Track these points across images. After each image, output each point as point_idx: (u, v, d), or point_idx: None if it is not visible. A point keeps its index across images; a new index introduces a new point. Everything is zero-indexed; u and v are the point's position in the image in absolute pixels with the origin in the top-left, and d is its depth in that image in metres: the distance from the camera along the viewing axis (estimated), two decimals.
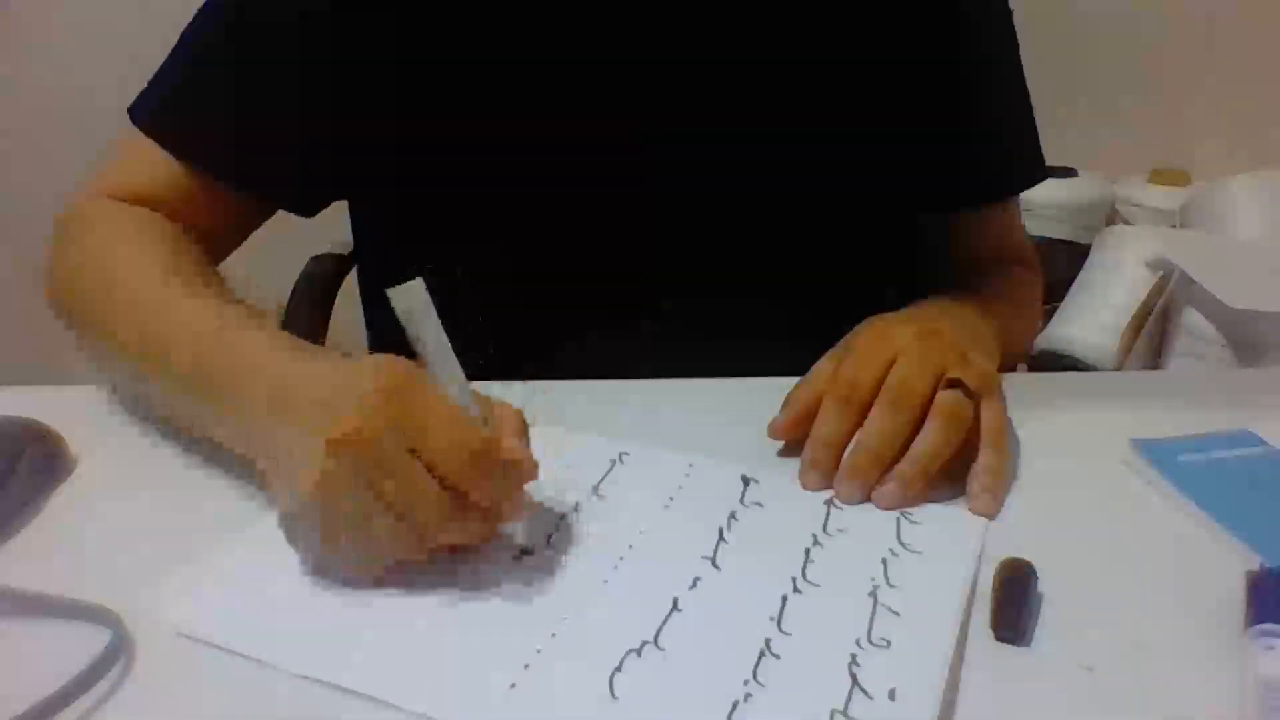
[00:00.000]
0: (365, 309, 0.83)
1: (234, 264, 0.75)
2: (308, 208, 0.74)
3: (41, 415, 0.58)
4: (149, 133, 0.68)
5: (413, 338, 0.47)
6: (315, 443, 0.45)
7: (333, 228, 0.85)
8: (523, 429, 0.50)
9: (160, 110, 0.69)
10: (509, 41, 0.68)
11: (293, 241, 0.86)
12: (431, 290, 0.47)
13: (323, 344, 0.91)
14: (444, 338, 0.48)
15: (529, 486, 0.49)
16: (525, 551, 0.51)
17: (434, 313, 0.47)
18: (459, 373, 0.48)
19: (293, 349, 0.53)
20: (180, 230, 0.67)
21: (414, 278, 0.47)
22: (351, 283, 0.97)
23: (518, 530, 0.51)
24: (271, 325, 0.56)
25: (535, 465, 0.49)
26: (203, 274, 0.62)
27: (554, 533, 0.52)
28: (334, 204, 0.77)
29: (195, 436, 0.57)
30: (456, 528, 0.47)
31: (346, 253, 0.98)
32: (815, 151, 0.71)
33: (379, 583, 0.48)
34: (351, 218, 0.80)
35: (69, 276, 0.65)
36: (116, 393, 0.64)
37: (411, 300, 0.47)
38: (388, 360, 0.48)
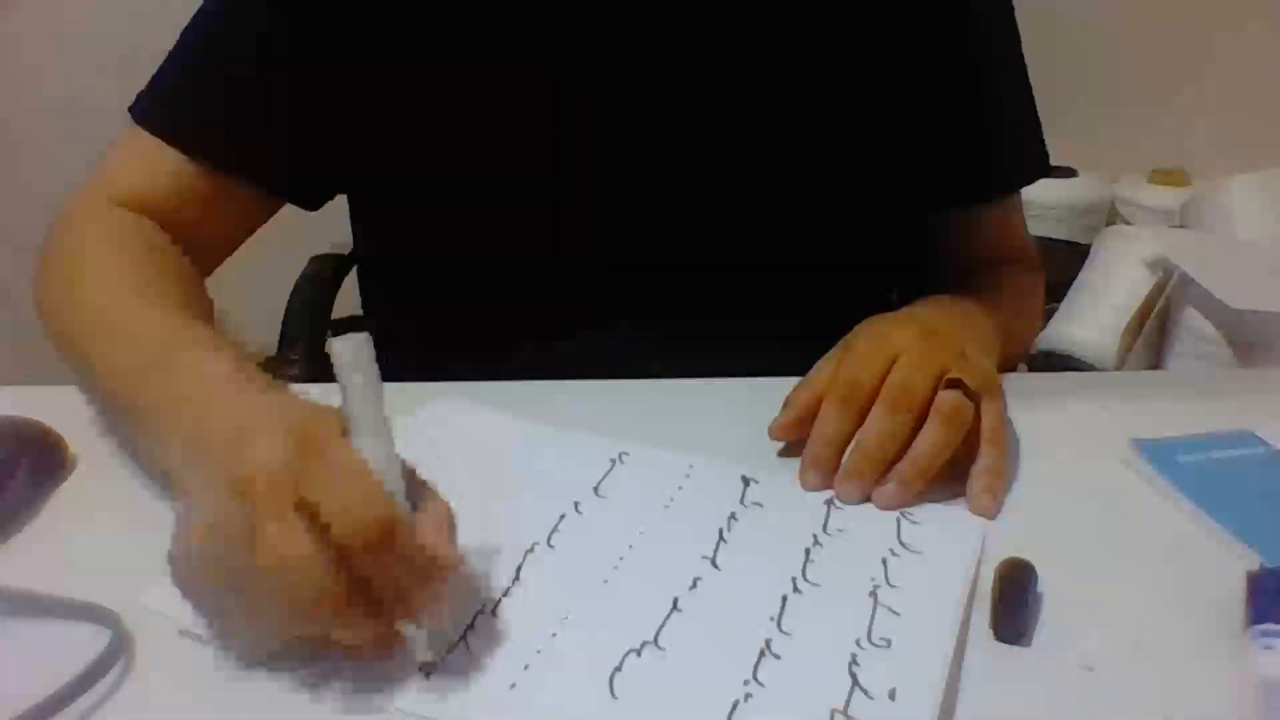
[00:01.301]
0: (365, 309, 0.83)
1: (234, 264, 0.75)
2: (311, 200, 0.74)
3: (41, 415, 0.58)
4: (149, 128, 0.68)
5: (344, 391, 0.42)
6: (214, 483, 0.41)
7: (333, 228, 0.85)
8: (450, 525, 0.43)
9: (161, 106, 0.69)
10: (506, 41, 0.68)
11: (293, 241, 0.86)
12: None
13: (324, 345, 0.91)
14: (381, 401, 0.42)
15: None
16: (430, 666, 0.42)
17: (375, 370, 0.42)
18: (390, 442, 0.42)
19: (230, 380, 0.48)
20: (167, 240, 0.67)
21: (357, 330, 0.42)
22: (351, 283, 0.97)
23: (418, 639, 0.42)
24: (223, 349, 0.51)
25: (457, 562, 0.41)
26: (172, 291, 0.60)
27: (554, 532, 0.52)
28: (334, 205, 0.77)
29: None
30: (342, 621, 0.40)
31: (346, 253, 0.98)
32: (815, 149, 0.71)
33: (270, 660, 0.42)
34: (351, 218, 0.80)
35: (47, 281, 0.65)
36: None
37: (354, 353, 0.42)
38: (315, 408, 0.43)
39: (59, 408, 0.60)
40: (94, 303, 0.59)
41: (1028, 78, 0.79)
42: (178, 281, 0.63)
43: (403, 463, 0.43)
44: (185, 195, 0.68)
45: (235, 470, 0.40)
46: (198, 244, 0.68)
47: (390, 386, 0.43)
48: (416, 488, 0.44)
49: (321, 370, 0.50)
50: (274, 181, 0.71)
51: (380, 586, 0.40)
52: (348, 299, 0.96)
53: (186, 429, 0.46)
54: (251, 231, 0.74)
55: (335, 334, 0.41)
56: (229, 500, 0.39)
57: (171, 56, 0.70)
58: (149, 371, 0.51)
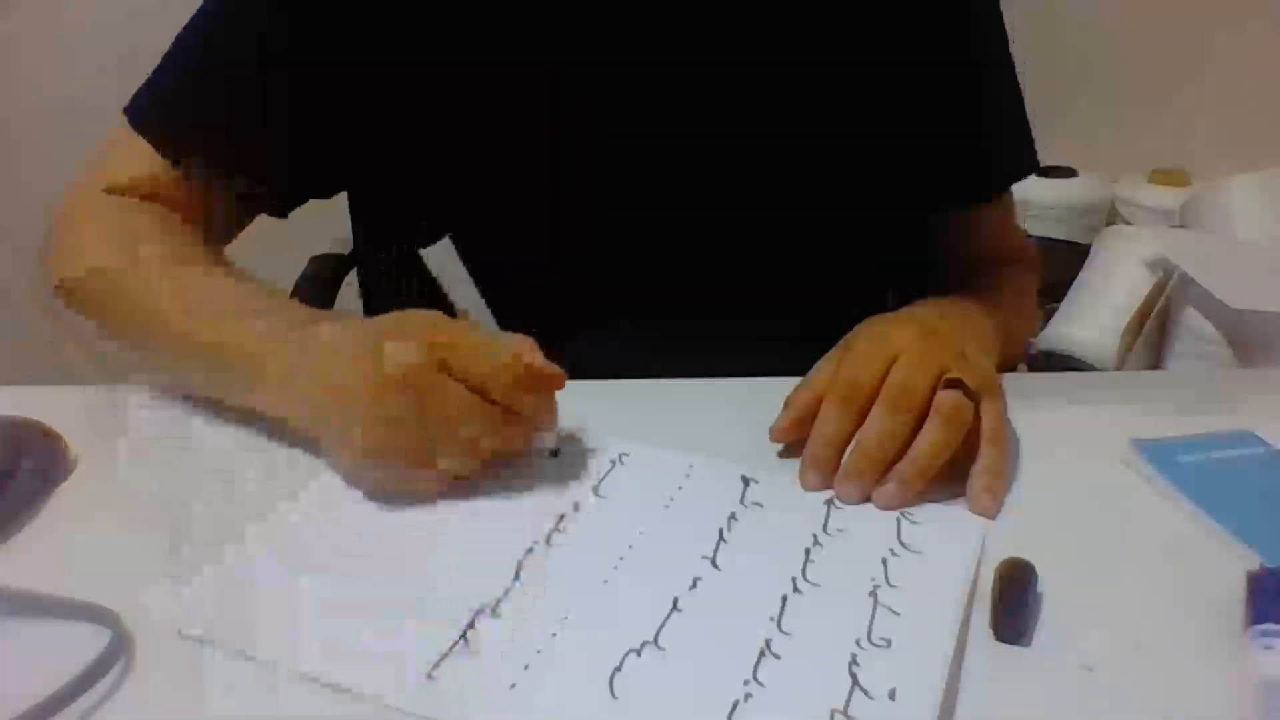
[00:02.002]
0: (365, 309, 0.83)
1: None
2: (280, 208, 0.74)
3: (41, 415, 0.58)
4: (140, 130, 0.69)
5: (445, 287, 0.59)
6: (368, 388, 0.51)
7: (333, 228, 0.85)
8: (536, 348, 0.55)
9: (150, 108, 0.70)
10: (506, 41, 0.68)
11: (293, 241, 0.86)
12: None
13: None
14: (472, 285, 0.60)
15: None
16: (554, 453, 0.58)
17: (460, 265, 0.59)
18: (484, 309, 0.59)
19: (319, 315, 0.58)
20: (181, 220, 0.68)
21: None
22: (351, 282, 0.97)
23: (545, 437, 0.57)
24: (287, 298, 0.62)
25: (562, 375, 0.55)
26: (208, 257, 0.66)
27: (554, 532, 0.52)
28: (335, 205, 0.77)
29: (231, 406, 0.60)
30: (506, 438, 0.54)
31: (346, 253, 0.98)
32: (813, 150, 0.71)
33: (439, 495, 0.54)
34: (352, 218, 0.80)
35: (87, 274, 0.66)
36: (115, 386, 0.64)
37: (441, 258, 0.59)
38: (414, 311, 0.54)
39: (59, 408, 0.60)
40: (160, 279, 0.63)
41: (1016, 76, 0.79)
42: (209, 250, 0.67)
43: None
44: (175, 195, 0.69)
45: (387, 370, 0.50)
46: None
47: None
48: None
49: None
50: (253, 188, 0.71)
51: (518, 409, 0.54)
52: (348, 299, 0.96)
53: (304, 356, 0.55)
54: (237, 232, 0.74)
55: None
56: (387, 395, 0.51)
57: (165, 58, 0.70)
58: (250, 321, 0.58)
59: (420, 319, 0.54)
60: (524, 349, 0.54)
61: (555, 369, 0.55)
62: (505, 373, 0.52)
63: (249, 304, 0.60)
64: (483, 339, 0.54)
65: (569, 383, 0.66)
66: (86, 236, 0.67)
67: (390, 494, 0.54)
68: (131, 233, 0.66)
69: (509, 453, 0.56)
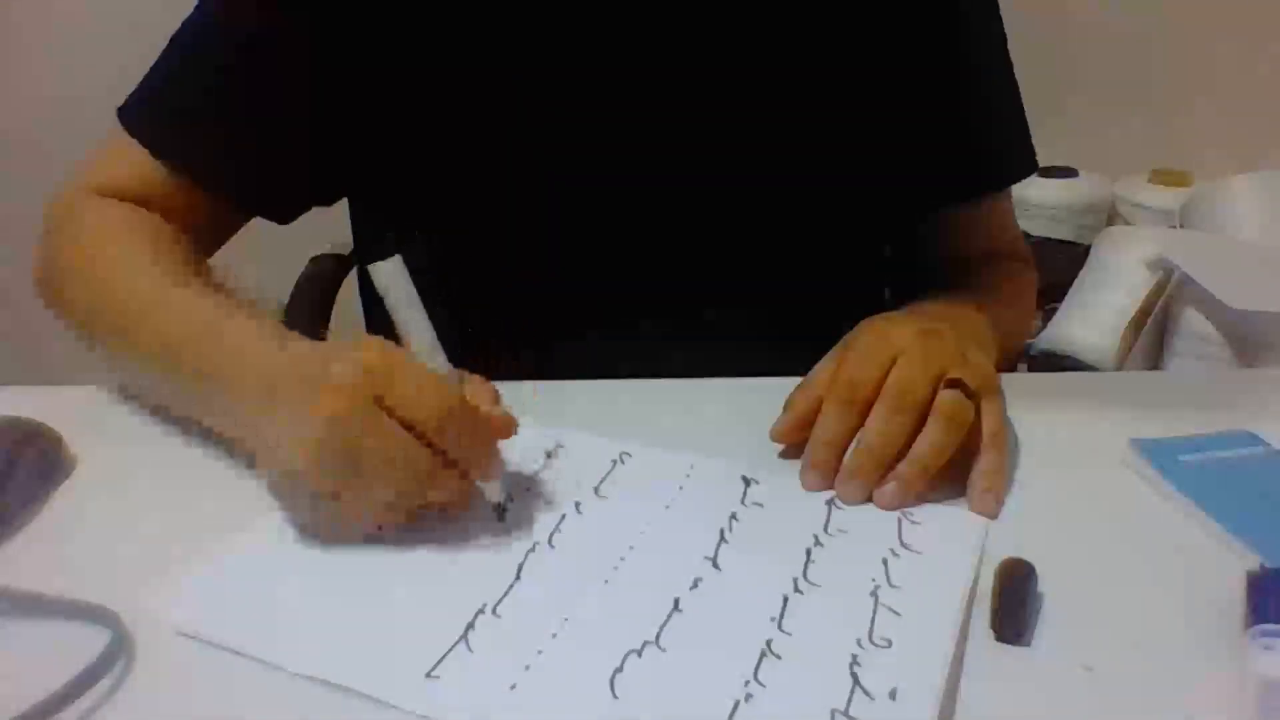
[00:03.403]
0: (365, 310, 0.83)
1: (234, 264, 0.75)
2: (282, 214, 0.74)
3: (41, 415, 0.58)
4: (132, 132, 0.69)
5: (391, 309, 0.51)
6: (305, 416, 0.48)
7: (333, 228, 0.85)
8: (495, 393, 0.54)
9: (144, 111, 0.70)
10: (498, 44, 0.68)
11: (293, 241, 0.86)
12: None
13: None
14: (421, 308, 0.51)
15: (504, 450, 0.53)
16: (500, 510, 0.52)
17: (410, 285, 0.51)
18: (433, 340, 0.52)
19: (279, 336, 0.55)
20: (165, 225, 0.68)
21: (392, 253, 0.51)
22: (351, 283, 0.97)
23: (488, 488, 0.52)
24: (257, 314, 0.58)
25: (511, 422, 0.53)
26: (189, 266, 0.64)
27: (555, 532, 0.52)
28: (334, 205, 0.77)
29: (191, 423, 0.59)
30: (437, 486, 0.50)
31: (346, 253, 0.98)
32: (806, 151, 0.71)
33: (373, 539, 0.50)
34: (352, 218, 0.80)
35: (60, 273, 0.66)
36: (115, 386, 0.64)
37: (393, 272, 0.51)
38: (365, 338, 0.51)
39: (59, 408, 0.60)
40: (124, 285, 0.62)
41: (1014, 75, 0.79)
42: (195, 263, 0.66)
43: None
44: (166, 195, 0.69)
45: (322, 398, 0.48)
46: (183, 236, 0.69)
47: None
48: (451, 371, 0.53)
49: None
50: (246, 194, 0.71)
51: (458, 455, 0.50)
52: (348, 299, 0.96)
53: (254, 377, 0.52)
54: (230, 234, 0.74)
55: (369, 262, 0.51)
56: (324, 422, 0.47)
57: (159, 60, 0.70)
58: (201, 341, 0.56)
59: (364, 348, 0.50)
60: (478, 392, 0.52)
61: (505, 416, 0.52)
62: (444, 414, 0.49)
63: (211, 319, 0.58)
64: (427, 376, 0.50)
65: (569, 383, 0.67)
66: (67, 239, 0.67)
67: (318, 536, 0.51)
68: (112, 238, 0.65)
69: (445, 503, 0.51)
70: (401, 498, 0.49)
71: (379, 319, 0.80)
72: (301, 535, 0.51)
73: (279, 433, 0.49)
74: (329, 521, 0.50)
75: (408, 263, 0.51)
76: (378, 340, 0.51)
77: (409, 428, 0.48)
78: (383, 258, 0.51)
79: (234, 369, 0.54)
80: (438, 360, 0.52)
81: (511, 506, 0.53)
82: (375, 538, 0.51)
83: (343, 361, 0.49)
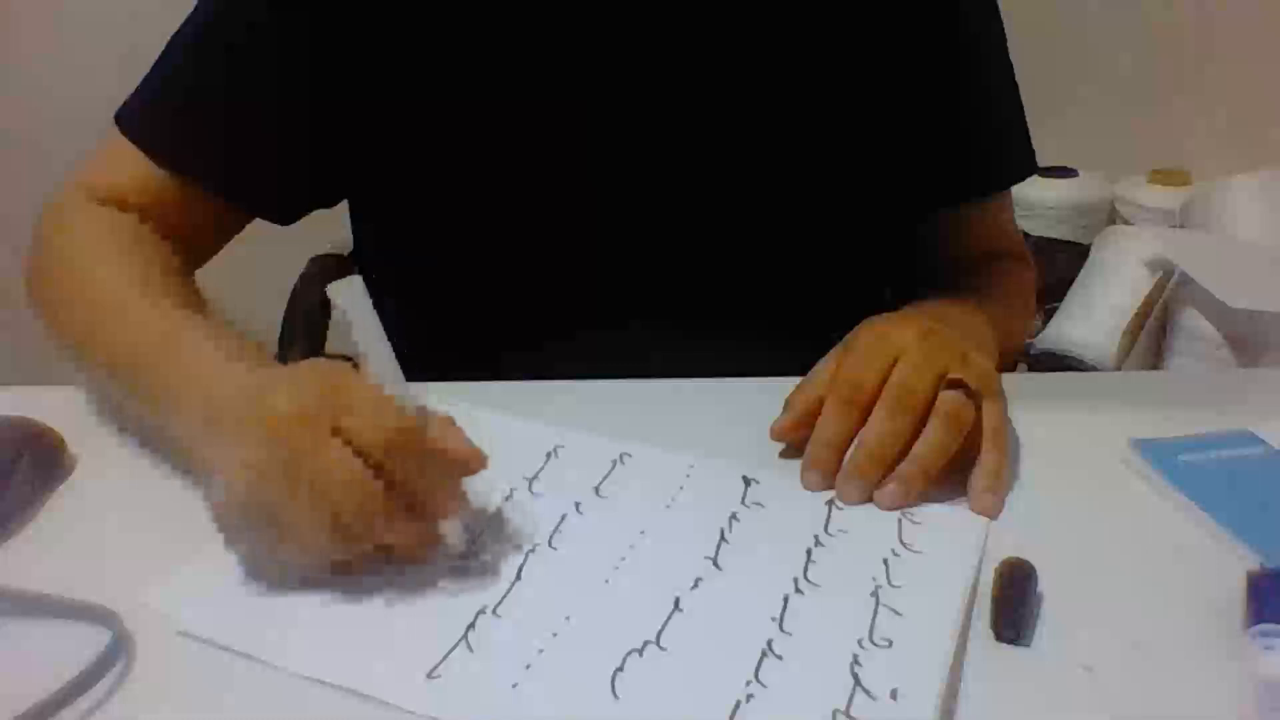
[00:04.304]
0: None
1: (234, 264, 0.75)
2: (284, 215, 0.73)
3: (41, 415, 0.58)
4: (130, 137, 0.69)
5: (349, 329, 0.48)
6: (246, 435, 0.46)
7: (333, 228, 0.85)
8: (457, 429, 0.49)
9: (141, 114, 0.70)
10: (496, 44, 0.68)
11: (293, 241, 0.86)
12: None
13: (323, 344, 0.91)
14: (382, 333, 0.48)
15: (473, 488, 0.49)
16: (462, 556, 0.48)
17: (370, 308, 0.48)
18: (394, 368, 0.49)
19: (233, 357, 0.53)
20: (153, 234, 0.67)
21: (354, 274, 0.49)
22: None
23: (451, 530, 0.48)
24: (221, 332, 0.56)
25: (478, 455, 0.48)
26: (165, 281, 0.62)
27: (556, 532, 0.52)
28: (332, 205, 0.77)
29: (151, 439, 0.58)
30: (386, 524, 0.46)
31: (346, 253, 0.98)
32: (806, 151, 0.71)
33: (320, 581, 0.47)
34: (351, 218, 0.80)
35: (41, 278, 0.66)
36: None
37: (353, 294, 0.48)
38: (319, 360, 0.50)
39: (59, 408, 0.60)
40: (94, 297, 0.61)
41: (1014, 75, 0.79)
42: (172, 275, 0.64)
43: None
44: (162, 200, 0.69)
45: (266, 418, 0.46)
46: (180, 245, 0.68)
47: None
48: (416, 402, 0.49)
49: None
50: (247, 197, 0.71)
51: (413, 489, 0.46)
52: None
53: (200, 401, 0.50)
54: (230, 237, 0.74)
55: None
56: (266, 444, 0.45)
57: (157, 63, 0.70)
58: (156, 354, 0.55)
59: (322, 370, 0.48)
60: (442, 427, 0.48)
61: (471, 449, 0.48)
62: (400, 441, 0.45)
63: (169, 331, 0.56)
64: (380, 400, 0.46)
65: (570, 383, 0.67)
66: (53, 243, 0.67)
67: (268, 573, 0.48)
68: (93, 244, 0.65)
69: (401, 547, 0.48)
70: (346, 529, 0.45)
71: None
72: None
73: (221, 456, 0.47)
74: (269, 555, 0.47)
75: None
76: (332, 361, 0.49)
77: (359, 455, 0.45)
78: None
79: (181, 387, 0.52)
80: (396, 385, 0.48)
81: (482, 552, 0.49)
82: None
83: (290, 383, 0.47)
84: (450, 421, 0.49)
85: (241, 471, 0.45)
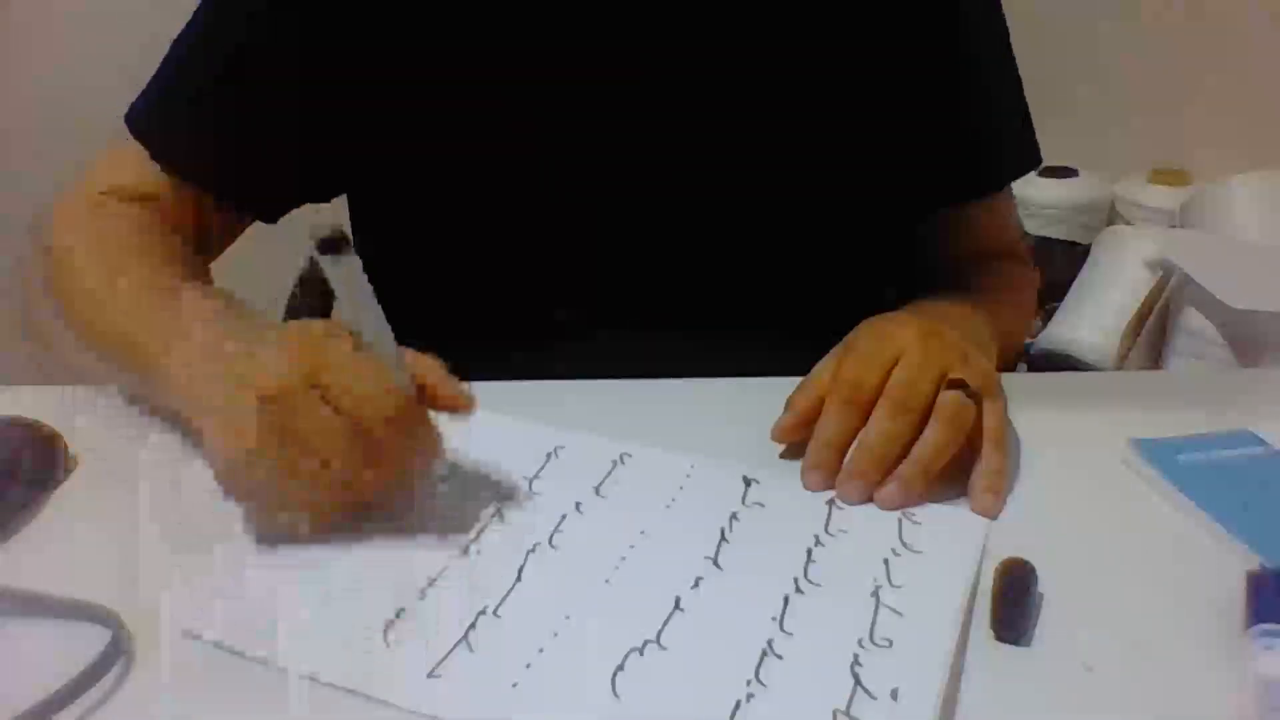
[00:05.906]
0: None
1: (234, 262, 0.75)
2: (272, 214, 0.74)
3: (41, 415, 0.58)
4: (139, 138, 0.70)
5: (341, 299, 0.49)
6: (241, 397, 0.48)
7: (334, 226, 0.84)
8: (445, 373, 0.51)
9: (148, 117, 0.70)
10: (495, 45, 0.68)
11: (293, 241, 0.86)
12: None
13: None
14: (373, 301, 0.49)
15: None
16: (442, 479, 0.53)
17: (364, 278, 0.48)
18: (389, 334, 0.50)
19: (227, 315, 0.55)
20: (163, 225, 0.68)
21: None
22: None
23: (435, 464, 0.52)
24: (220, 296, 0.58)
25: (472, 400, 0.51)
26: (175, 265, 0.64)
27: (556, 532, 0.52)
28: (334, 204, 0.77)
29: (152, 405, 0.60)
30: (364, 476, 0.49)
31: None
32: (807, 150, 0.71)
33: (315, 538, 0.50)
34: (351, 217, 0.80)
35: (59, 281, 0.66)
36: (115, 386, 0.64)
37: (343, 265, 0.48)
38: (310, 322, 0.51)
39: (59, 408, 0.60)
40: (126, 289, 0.62)
41: (1017, 71, 0.79)
42: (183, 258, 0.66)
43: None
44: (172, 202, 0.69)
45: (258, 378, 0.47)
46: (190, 242, 0.70)
47: None
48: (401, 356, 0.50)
49: None
50: (247, 200, 0.72)
51: (388, 442, 0.48)
52: None
53: (196, 355, 0.52)
54: (234, 237, 0.75)
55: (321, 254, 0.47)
56: (253, 405, 0.47)
57: (166, 63, 0.71)
58: (150, 314, 0.57)
59: (309, 331, 0.50)
60: (427, 369, 0.50)
61: (462, 391, 0.51)
62: (382, 400, 0.48)
63: (168, 300, 0.58)
64: (369, 361, 0.49)
65: (570, 383, 0.67)
66: (66, 242, 0.67)
67: (266, 530, 0.50)
68: (112, 243, 0.66)
69: (375, 495, 0.50)
70: (332, 490, 0.48)
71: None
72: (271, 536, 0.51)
73: (217, 415, 0.49)
74: (267, 508, 0.50)
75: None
76: (321, 321, 0.51)
77: (342, 414, 0.47)
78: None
79: (176, 345, 0.54)
80: (387, 345, 0.50)
81: (452, 481, 0.53)
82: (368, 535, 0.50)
83: (284, 343, 0.49)
84: (438, 366, 0.51)
85: (240, 433, 0.47)
